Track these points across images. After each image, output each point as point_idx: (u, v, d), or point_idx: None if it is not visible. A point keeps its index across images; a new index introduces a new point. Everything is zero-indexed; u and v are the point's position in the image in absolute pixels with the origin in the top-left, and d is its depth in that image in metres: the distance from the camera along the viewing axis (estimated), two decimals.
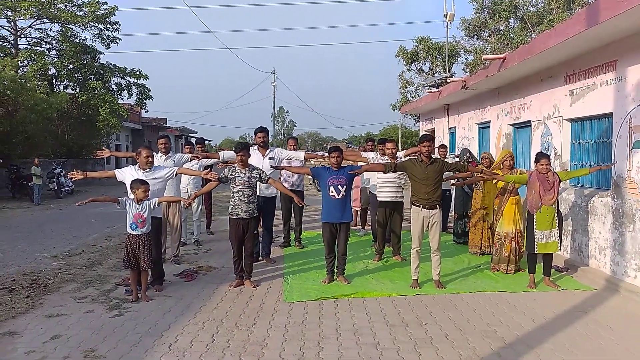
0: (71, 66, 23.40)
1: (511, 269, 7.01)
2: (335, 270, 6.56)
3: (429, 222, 6.28)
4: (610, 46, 6.30)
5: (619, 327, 4.91)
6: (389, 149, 7.69)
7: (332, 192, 6.34)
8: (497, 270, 7.08)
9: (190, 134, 50.68)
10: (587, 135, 7.35)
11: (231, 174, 6.30)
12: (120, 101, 24.57)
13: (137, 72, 24.62)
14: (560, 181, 6.29)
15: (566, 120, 7.69)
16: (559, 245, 6.37)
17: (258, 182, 6.49)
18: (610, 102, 6.44)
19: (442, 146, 9.76)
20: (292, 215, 8.88)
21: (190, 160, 7.72)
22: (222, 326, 4.95)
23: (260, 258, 7.64)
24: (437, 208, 6.31)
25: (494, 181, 7.22)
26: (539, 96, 8.51)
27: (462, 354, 4.27)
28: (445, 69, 34.57)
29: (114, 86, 24.72)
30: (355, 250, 8.30)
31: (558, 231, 6.32)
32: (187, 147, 9.25)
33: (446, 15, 19.13)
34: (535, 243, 6.28)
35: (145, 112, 27.82)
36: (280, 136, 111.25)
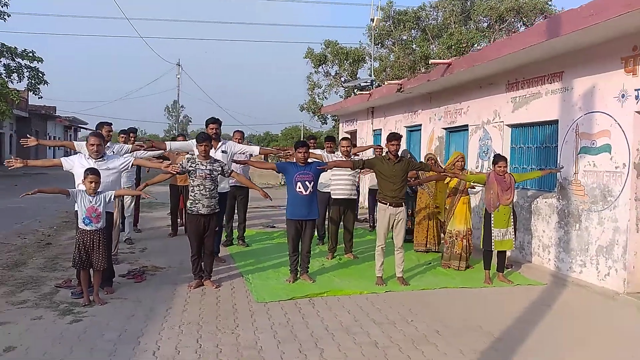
0: None
1: (462, 265, 7.26)
2: (299, 269, 6.36)
3: (394, 220, 6.32)
4: (558, 58, 6.76)
5: (585, 319, 5.26)
6: (344, 146, 7.64)
7: (299, 188, 6.14)
8: (449, 267, 7.30)
9: (80, 125, 47.17)
10: (528, 141, 7.84)
11: (191, 166, 5.84)
12: (10, 85, 21.99)
13: (30, 54, 22.20)
14: (515, 182, 6.64)
15: (507, 125, 8.15)
16: (514, 242, 6.72)
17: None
18: (556, 110, 6.92)
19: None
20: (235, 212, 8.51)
21: (131, 152, 7.05)
22: (203, 330, 4.56)
23: None
24: (402, 206, 6.37)
25: (446, 181, 7.44)
26: (477, 102, 8.93)
27: (462, 349, 4.30)
28: (353, 74, 35.46)
29: (1, 69, 22.08)
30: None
31: (514, 229, 6.67)
32: (121, 136, 8.46)
33: (373, 19, 19.61)
34: (493, 240, 6.56)
35: (39, 98, 25.10)
36: (174, 131, 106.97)
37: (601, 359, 4.19)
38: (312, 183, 6.19)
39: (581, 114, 6.47)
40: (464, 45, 28.30)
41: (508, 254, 6.95)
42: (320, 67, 35.78)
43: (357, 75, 35.70)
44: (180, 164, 5.85)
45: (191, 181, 5.84)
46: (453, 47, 28.05)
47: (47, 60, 22.44)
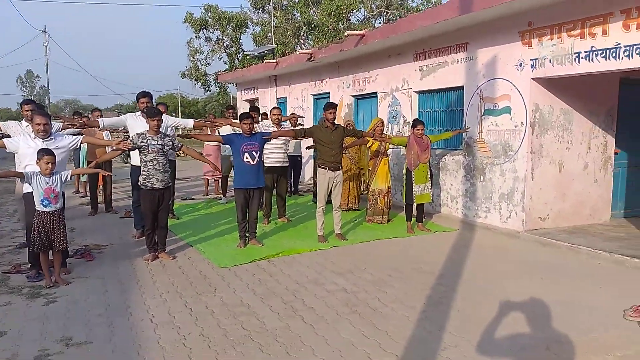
0: None
1: (385, 219, 8.13)
2: (248, 235, 6.74)
3: (333, 182, 6.91)
4: (463, 30, 7.68)
5: (498, 254, 6.35)
6: (275, 115, 8.04)
7: (247, 158, 6.47)
8: (373, 222, 8.14)
9: None
10: (435, 105, 8.82)
11: (142, 142, 5.90)
12: None
13: None
14: (431, 142, 7.55)
15: (415, 92, 9.05)
16: (431, 196, 7.68)
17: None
18: (462, 77, 7.89)
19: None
20: None
21: (63, 129, 6.80)
22: (185, 296, 4.84)
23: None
24: (340, 169, 6.97)
25: (368, 145, 8.18)
26: (386, 70, 9.73)
27: (416, 287, 5.08)
28: (235, 40, 34.96)
29: None
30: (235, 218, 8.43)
31: (431, 184, 7.62)
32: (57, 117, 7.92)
33: None
34: (414, 195, 7.45)
35: None
36: None
37: (520, 284, 5.20)
38: (259, 153, 6.55)
39: (484, 81, 7.49)
40: (343, 11, 29.30)
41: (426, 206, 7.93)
42: (201, 32, 34.85)
43: (240, 40, 35.42)
44: (131, 140, 5.88)
45: (143, 157, 5.90)
46: (333, 13, 28.93)
47: None
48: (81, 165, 10.03)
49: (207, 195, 11.25)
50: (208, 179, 11.36)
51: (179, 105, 64.12)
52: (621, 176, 7.96)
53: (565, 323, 4.14)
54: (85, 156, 10.09)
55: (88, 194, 10.78)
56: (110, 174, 6.47)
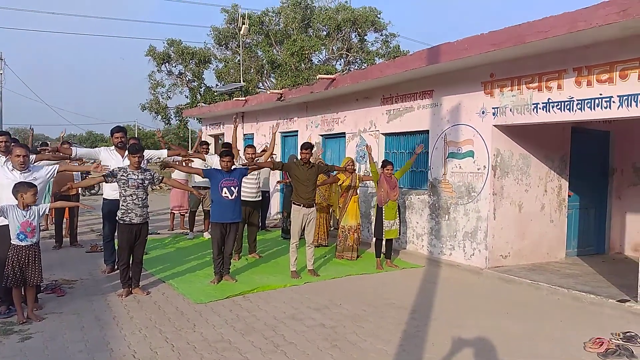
0: None
1: (354, 256, 8.35)
2: (221, 271, 6.79)
3: (307, 219, 7.10)
4: (429, 78, 8.18)
5: (463, 290, 6.65)
6: (249, 153, 8.23)
7: (225, 193, 6.60)
8: (342, 258, 8.34)
9: None
10: (401, 147, 9.23)
11: (122, 176, 5.95)
12: None
13: None
14: (397, 180, 7.89)
15: (382, 134, 9.46)
16: (399, 232, 7.97)
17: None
18: (427, 122, 8.35)
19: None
20: None
21: (36, 161, 6.73)
22: (165, 332, 4.85)
23: (116, 267, 7.20)
24: (314, 206, 7.18)
25: (339, 183, 8.45)
26: (354, 112, 10.13)
27: (390, 322, 5.28)
28: (198, 75, 35.11)
29: None
30: (205, 253, 8.47)
31: (399, 221, 7.92)
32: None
33: (241, 27, 19.75)
34: (384, 231, 7.73)
35: None
36: None
37: (488, 318, 5.48)
38: (237, 188, 6.70)
39: (449, 126, 7.95)
40: (306, 51, 30.11)
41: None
42: (163, 65, 34.85)
43: (202, 75, 35.61)
44: (112, 171, 5.92)
45: (122, 191, 5.93)
46: (295, 53, 29.67)
47: None
48: (45, 197, 9.82)
49: (173, 230, 11.19)
50: (174, 214, 11.32)
51: (137, 137, 63.33)
52: (574, 217, 8.52)
53: (532, 355, 4.42)
54: (49, 188, 9.90)
55: (50, 226, 10.58)
56: (89, 206, 6.44)
